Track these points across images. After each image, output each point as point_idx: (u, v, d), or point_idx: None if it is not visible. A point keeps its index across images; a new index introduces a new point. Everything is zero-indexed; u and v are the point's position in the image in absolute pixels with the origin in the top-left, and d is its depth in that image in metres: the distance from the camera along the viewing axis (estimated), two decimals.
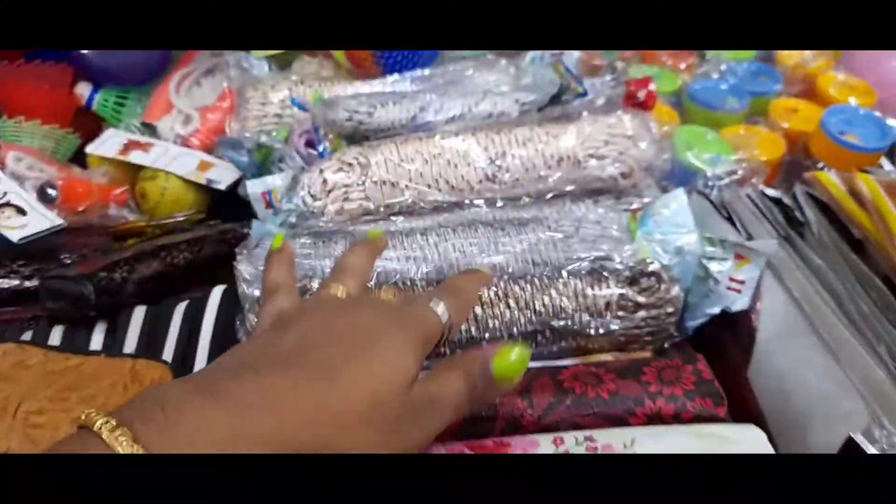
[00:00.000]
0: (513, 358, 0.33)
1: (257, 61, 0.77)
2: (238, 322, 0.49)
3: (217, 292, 0.54)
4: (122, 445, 0.24)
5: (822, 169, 0.62)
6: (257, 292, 0.45)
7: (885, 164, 0.61)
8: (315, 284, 0.47)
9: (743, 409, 0.47)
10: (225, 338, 0.50)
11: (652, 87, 0.64)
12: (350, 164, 0.55)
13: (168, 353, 0.49)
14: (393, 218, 0.57)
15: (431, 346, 0.34)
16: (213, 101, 0.76)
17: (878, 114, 0.63)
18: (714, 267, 0.48)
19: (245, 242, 0.53)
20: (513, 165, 0.56)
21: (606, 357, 0.48)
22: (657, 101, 0.69)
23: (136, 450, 0.24)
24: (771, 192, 0.56)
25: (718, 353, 0.51)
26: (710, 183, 0.59)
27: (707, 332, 0.51)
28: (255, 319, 0.46)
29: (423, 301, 0.35)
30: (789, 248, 0.51)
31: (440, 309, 0.35)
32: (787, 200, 0.55)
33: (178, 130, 0.75)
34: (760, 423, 0.46)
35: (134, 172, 0.72)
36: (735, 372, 0.49)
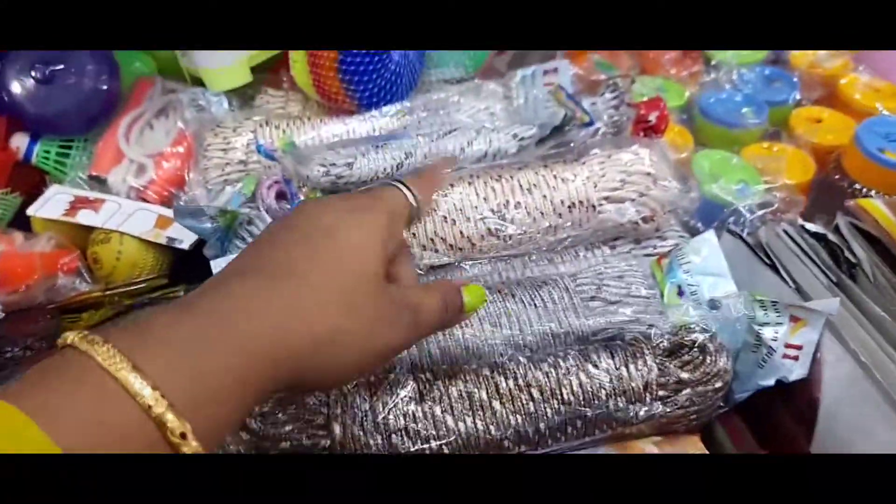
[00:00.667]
0: (478, 294, 0.37)
1: (215, 98, 0.68)
2: None
3: None
4: (97, 347, 0.24)
5: (860, 191, 0.55)
6: None
7: None
8: None
9: None
10: None
11: (664, 107, 0.57)
12: None
13: None
14: None
15: (400, 224, 0.37)
16: (167, 146, 0.68)
17: None
18: (768, 334, 0.41)
19: None
20: (518, 217, 0.49)
21: (651, 449, 0.41)
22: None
23: (109, 349, 0.24)
24: (812, 226, 0.49)
25: (773, 426, 0.44)
26: (740, 218, 0.52)
27: (757, 401, 0.44)
28: (231, 444, 0.38)
29: (382, 184, 0.39)
30: (843, 297, 0.45)
31: (401, 186, 0.38)
32: (832, 237, 0.48)
33: (132, 182, 0.67)
34: None
35: (84, 235, 0.64)
36: (796, 449, 0.43)
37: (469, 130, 0.53)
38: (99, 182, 0.68)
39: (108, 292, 0.61)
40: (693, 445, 0.41)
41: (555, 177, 0.50)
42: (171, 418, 0.24)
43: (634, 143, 0.51)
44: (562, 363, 0.41)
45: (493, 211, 0.49)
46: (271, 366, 0.28)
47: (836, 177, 0.57)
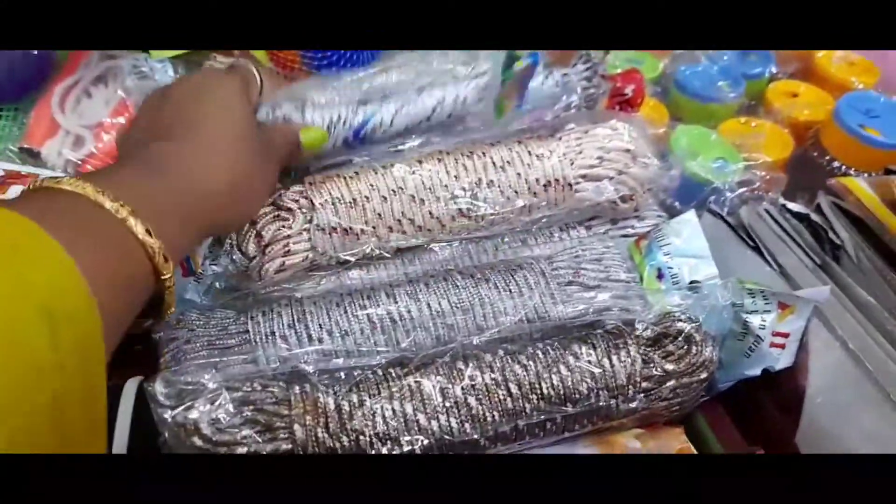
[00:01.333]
0: (315, 135, 0.46)
1: (159, 64, 0.63)
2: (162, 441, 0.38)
3: (131, 388, 0.42)
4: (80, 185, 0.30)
5: (839, 168, 0.54)
6: (180, 418, 0.34)
7: None
8: (257, 385, 0.36)
9: None
10: (147, 450, 0.39)
11: (641, 81, 0.54)
12: (289, 209, 0.44)
13: None
14: (349, 272, 0.46)
15: (254, 91, 0.45)
16: (107, 117, 0.62)
17: None
18: (755, 322, 0.39)
19: (162, 328, 0.41)
20: (491, 196, 0.46)
21: (634, 443, 0.39)
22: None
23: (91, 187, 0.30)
24: (794, 206, 0.47)
25: (757, 416, 0.43)
26: (720, 197, 0.49)
27: (740, 390, 0.43)
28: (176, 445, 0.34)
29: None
30: (828, 281, 0.43)
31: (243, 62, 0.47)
32: (815, 217, 0.46)
33: (68, 156, 0.61)
34: None
35: None
36: (779, 439, 0.41)
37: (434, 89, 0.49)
38: (31, 155, 0.62)
39: None
40: (676, 438, 0.40)
41: (529, 153, 0.47)
42: (150, 240, 0.31)
43: (612, 117, 0.49)
44: (541, 355, 0.39)
45: (464, 190, 0.46)
46: (203, 207, 0.36)
47: (815, 154, 0.55)
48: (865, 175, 0.50)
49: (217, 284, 0.44)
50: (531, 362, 0.38)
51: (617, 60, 0.62)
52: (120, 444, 0.40)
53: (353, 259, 0.45)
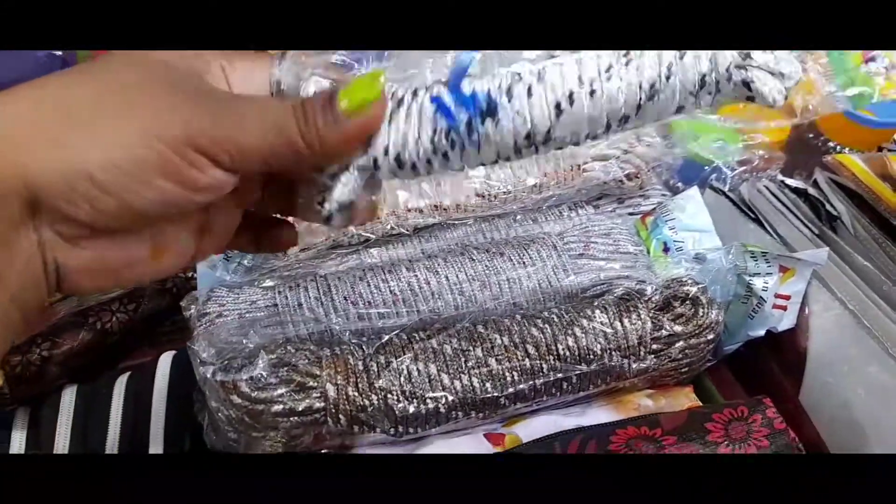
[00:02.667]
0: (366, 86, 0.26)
1: None
2: (197, 403, 0.40)
3: (166, 360, 0.44)
4: None
5: (833, 148, 0.56)
6: (221, 376, 0.36)
7: None
8: (291, 349, 0.38)
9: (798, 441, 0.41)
10: (182, 418, 0.41)
11: None
12: None
13: (111, 446, 0.40)
14: (369, 250, 0.48)
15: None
16: None
17: None
18: (759, 284, 0.42)
19: (191, 296, 0.44)
20: (503, 175, 0.48)
21: (646, 402, 0.41)
22: None
23: None
24: (792, 182, 0.50)
25: (761, 377, 0.45)
26: (721, 176, 0.52)
27: (744, 351, 0.45)
28: (222, 410, 0.37)
29: None
30: (828, 249, 0.45)
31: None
32: (812, 191, 0.49)
33: None
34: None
35: None
36: (784, 398, 0.43)
37: None
38: None
39: None
40: (686, 397, 0.41)
41: None
42: None
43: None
44: (556, 319, 0.41)
45: (478, 171, 0.48)
46: None
47: (811, 135, 0.58)
48: (860, 153, 0.53)
49: (244, 262, 0.46)
50: (547, 325, 0.40)
51: None
52: (158, 415, 0.42)
53: (373, 237, 0.48)
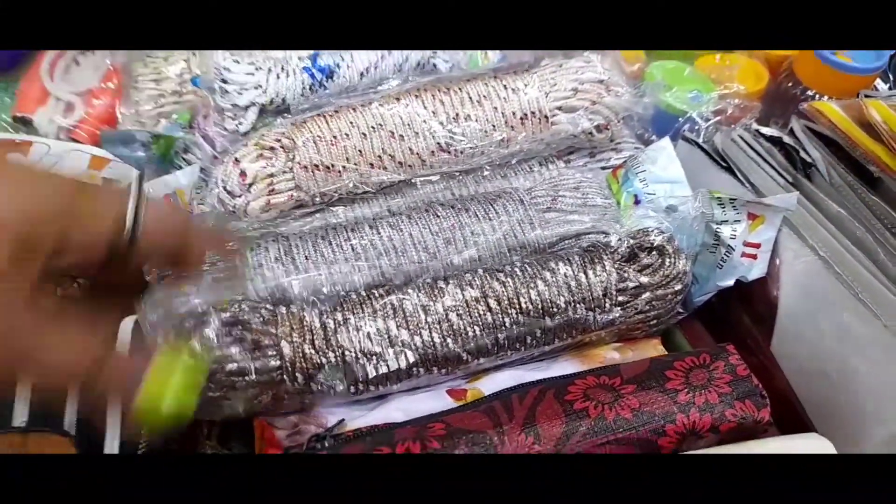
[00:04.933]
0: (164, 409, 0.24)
1: None
2: None
3: (127, 326, 0.43)
4: None
5: (812, 97, 0.55)
6: (169, 337, 0.35)
7: (880, 85, 0.54)
8: (245, 307, 0.38)
9: (769, 391, 0.40)
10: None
11: None
12: (272, 149, 0.45)
13: (70, 418, 0.39)
14: (333, 209, 0.47)
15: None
16: (96, 83, 0.63)
17: None
18: (726, 232, 0.41)
19: None
20: (469, 130, 0.47)
21: (612, 354, 0.40)
22: None
23: None
24: (768, 130, 0.48)
25: (732, 328, 0.44)
26: (695, 126, 0.50)
27: (715, 303, 0.44)
28: None
29: None
30: (800, 196, 0.44)
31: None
32: (787, 139, 0.47)
33: (60, 122, 0.63)
34: (791, 404, 0.40)
35: None
36: (755, 348, 0.42)
37: None
38: (24, 123, 0.63)
39: None
40: (654, 349, 0.41)
41: (505, 87, 0.48)
42: None
43: (585, 51, 0.50)
44: (519, 272, 0.40)
45: (442, 125, 0.47)
46: None
47: (789, 84, 0.56)
48: (838, 100, 0.51)
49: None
50: (509, 279, 0.40)
51: None
52: None
53: (336, 196, 0.47)
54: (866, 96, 0.50)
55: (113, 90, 0.63)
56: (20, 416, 0.39)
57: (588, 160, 0.51)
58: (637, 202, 0.47)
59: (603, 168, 0.50)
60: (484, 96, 0.47)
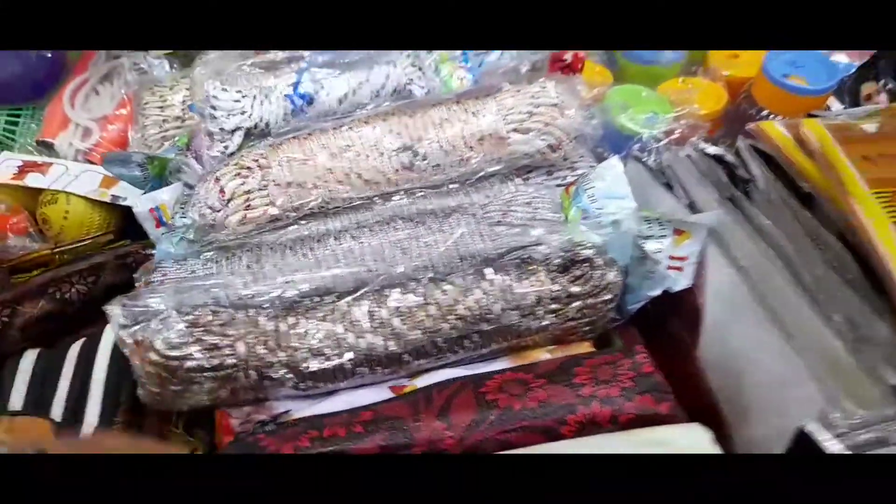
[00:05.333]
0: None
1: (157, 61, 0.70)
2: None
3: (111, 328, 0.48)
4: None
5: (766, 117, 0.57)
6: (133, 337, 0.40)
7: (835, 104, 0.56)
8: (208, 311, 0.42)
9: (695, 393, 0.43)
10: (121, 382, 0.45)
11: None
12: (249, 168, 0.50)
13: (58, 405, 0.44)
14: (306, 222, 0.51)
15: None
16: (112, 110, 0.70)
17: (822, 52, 0.58)
18: (651, 246, 0.44)
19: (144, 267, 0.48)
20: (430, 150, 0.51)
21: (543, 355, 0.44)
22: (589, 61, 0.64)
23: None
24: (712, 149, 0.51)
25: (665, 334, 0.47)
26: (647, 146, 0.53)
27: (650, 310, 0.47)
28: (142, 367, 0.40)
29: None
30: (735, 211, 0.47)
31: None
32: (729, 157, 0.50)
33: (78, 146, 0.69)
34: (713, 407, 0.42)
35: (33, 197, 0.66)
36: (685, 352, 0.45)
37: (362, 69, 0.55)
38: (46, 147, 0.70)
39: (56, 250, 0.63)
40: (584, 349, 0.44)
41: (465, 111, 0.52)
42: None
43: (543, 77, 0.53)
44: (459, 281, 0.43)
45: (405, 146, 0.51)
46: None
47: (747, 106, 0.59)
48: (783, 119, 0.54)
49: (188, 235, 0.50)
50: (450, 287, 0.43)
51: None
52: (100, 371, 0.46)
53: (308, 211, 0.51)
54: (811, 116, 0.52)
55: (126, 116, 0.70)
56: (17, 400, 0.44)
57: (545, 178, 0.54)
58: (586, 217, 0.50)
59: (558, 185, 0.54)
60: (445, 119, 0.51)
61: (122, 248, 0.57)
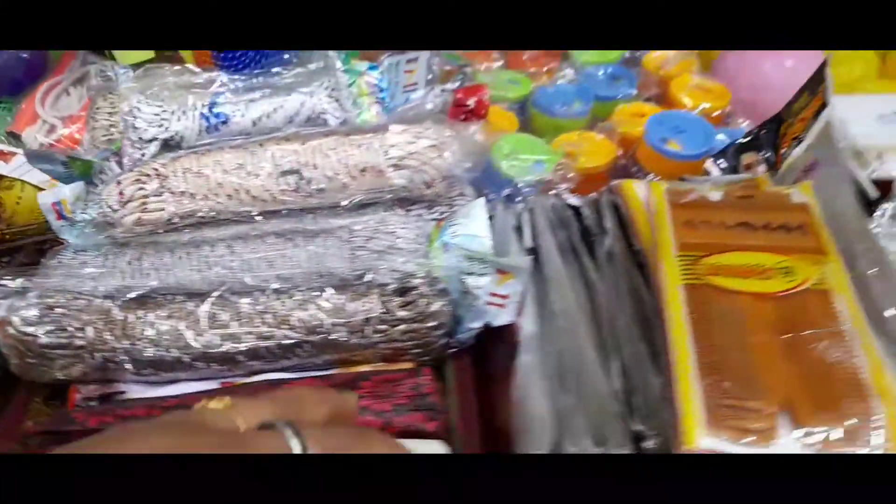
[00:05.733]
0: None
1: (122, 70, 0.77)
2: None
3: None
4: None
5: (646, 175, 0.61)
6: None
7: (714, 169, 0.59)
8: (69, 297, 0.47)
9: (506, 422, 0.46)
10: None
11: (484, 95, 0.63)
12: (148, 175, 0.55)
13: None
14: (198, 229, 0.57)
15: None
16: (76, 110, 0.77)
17: (704, 119, 0.61)
18: (472, 283, 0.48)
19: (51, 253, 0.54)
20: (315, 175, 0.56)
21: (365, 368, 0.48)
22: (501, 108, 0.68)
23: None
24: (573, 200, 0.55)
25: (493, 365, 0.50)
26: (520, 192, 0.57)
27: (483, 342, 0.51)
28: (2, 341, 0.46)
29: None
30: (571, 261, 0.51)
31: None
32: (585, 210, 0.54)
33: (41, 140, 0.76)
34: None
35: None
36: (511, 381, 0.49)
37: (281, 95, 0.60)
38: (15, 138, 0.77)
39: (6, 231, 0.70)
40: (402, 366, 0.48)
41: (352, 144, 0.57)
42: None
43: (429, 120, 0.58)
44: (299, 295, 0.48)
45: (292, 170, 0.56)
46: None
47: (631, 163, 0.62)
48: (647, 179, 0.57)
49: (87, 230, 0.55)
50: (289, 299, 0.48)
51: (496, 80, 0.71)
52: None
53: (200, 219, 0.56)
54: (682, 179, 0.56)
55: (85, 117, 0.76)
56: None
57: (425, 211, 0.59)
58: (445, 251, 0.54)
59: (434, 219, 0.58)
60: (332, 149, 0.56)
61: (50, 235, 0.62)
